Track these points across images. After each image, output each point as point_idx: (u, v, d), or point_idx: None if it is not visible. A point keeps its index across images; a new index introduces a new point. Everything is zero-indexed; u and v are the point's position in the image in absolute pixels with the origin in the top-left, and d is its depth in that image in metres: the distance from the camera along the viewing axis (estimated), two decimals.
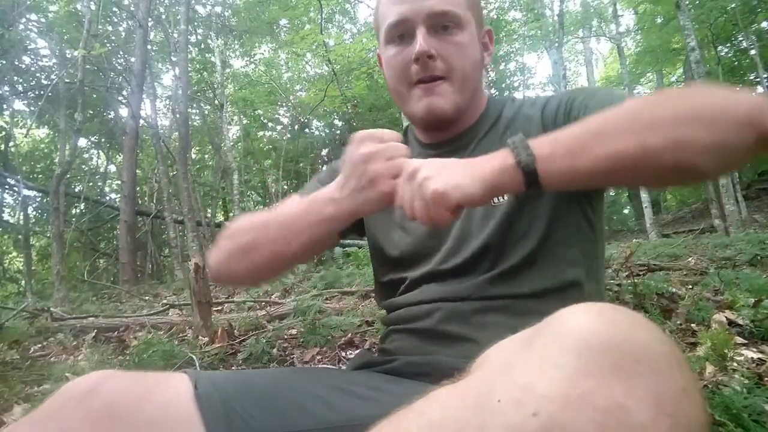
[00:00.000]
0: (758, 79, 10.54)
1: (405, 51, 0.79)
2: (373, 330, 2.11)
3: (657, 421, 0.32)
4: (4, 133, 10.18)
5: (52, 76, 9.42)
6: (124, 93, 9.88)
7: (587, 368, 0.34)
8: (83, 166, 13.04)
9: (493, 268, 0.76)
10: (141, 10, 8.36)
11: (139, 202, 11.48)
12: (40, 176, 11.73)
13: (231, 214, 12.75)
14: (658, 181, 0.60)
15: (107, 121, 11.79)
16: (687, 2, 7.85)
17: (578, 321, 0.38)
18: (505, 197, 0.76)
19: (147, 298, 5.17)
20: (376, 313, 2.29)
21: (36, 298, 5.97)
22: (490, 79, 11.51)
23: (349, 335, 2.07)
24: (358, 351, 1.79)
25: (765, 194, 10.92)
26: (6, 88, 9.33)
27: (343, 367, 1.45)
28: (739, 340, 1.44)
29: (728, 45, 12.01)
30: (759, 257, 3.02)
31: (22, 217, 9.74)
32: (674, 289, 1.97)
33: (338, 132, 13.96)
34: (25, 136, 11.83)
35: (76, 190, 11.21)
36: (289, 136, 13.94)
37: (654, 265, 2.87)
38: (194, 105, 13.13)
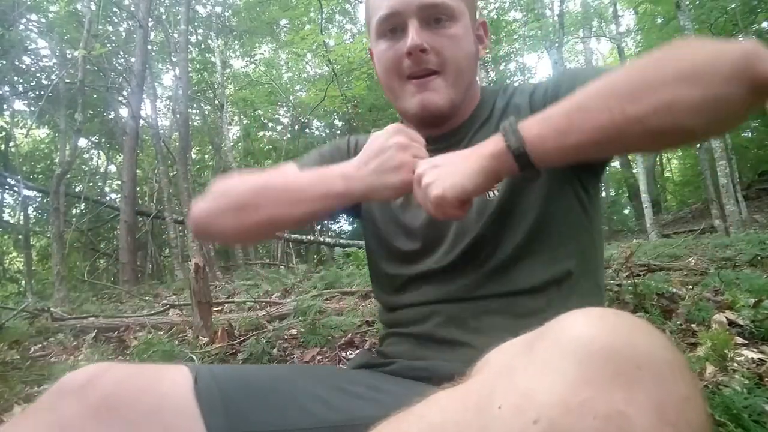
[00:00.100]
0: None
1: (397, 45, 0.77)
2: (374, 330, 2.11)
3: (658, 430, 0.32)
4: (4, 133, 10.17)
5: (53, 77, 9.42)
6: (125, 93, 9.88)
7: (588, 375, 0.34)
8: (83, 167, 13.04)
9: (486, 262, 0.75)
10: (141, 10, 8.36)
11: (140, 202, 11.47)
12: (40, 176, 11.72)
13: None
14: (651, 145, 0.60)
15: (107, 121, 11.78)
16: (687, 2, 7.85)
17: (579, 326, 0.37)
18: (497, 191, 0.75)
19: (147, 298, 5.17)
20: (376, 314, 2.29)
21: (36, 298, 5.97)
22: (490, 79, 11.49)
23: (349, 335, 2.07)
24: (358, 351, 1.79)
25: (765, 194, 10.92)
26: (6, 88, 9.33)
27: (344, 367, 1.45)
28: (740, 340, 1.44)
29: None
30: (759, 257, 3.01)
31: (22, 217, 9.73)
32: (674, 290, 1.97)
33: (338, 132, 13.96)
34: (26, 137, 11.82)
35: (77, 190, 11.20)
36: (289, 136, 13.94)
37: (654, 265, 2.87)
38: (194, 105, 13.13)
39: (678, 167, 16.96)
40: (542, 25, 11.55)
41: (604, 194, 14.57)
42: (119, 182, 10.53)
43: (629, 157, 13.64)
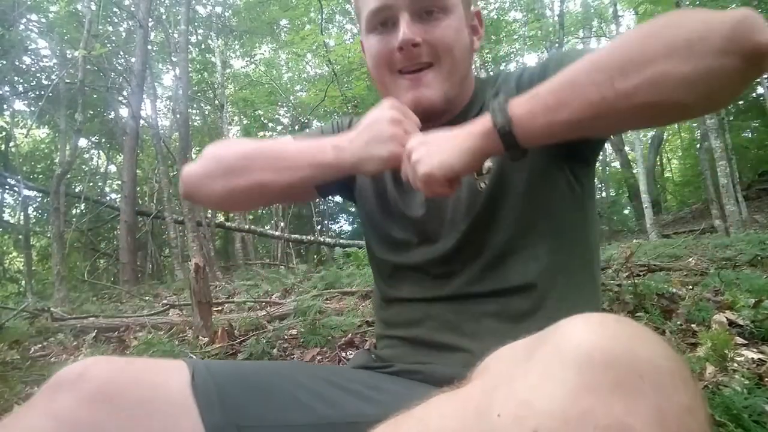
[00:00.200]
0: (758, 80, 10.54)
1: (388, 39, 0.75)
2: (374, 330, 2.11)
3: None
4: (4, 133, 10.18)
5: (53, 77, 9.42)
6: (125, 93, 9.88)
7: (588, 385, 0.33)
8: (83, 167, 13.04)
9: (479, 256, 0.73)
10: (141, 10, 8.35)
11: (140, 202, 11.47)
12: (40, 176, 11.73)
13: (231, 215, 12.75)
14: (643, 121, 0.59)
15: (107, 122, 11.78)
16: (687, 2, 7.85)
17: (580, 334, 0.36)
18: (486, 183, 0.74)
19: (147, 298, 5.17)
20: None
21: (36, 298, 5.97)
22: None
23: (350, 335, 2.06)
24: (357, 351, 1.79)
25: (765, 194, 10.91)
26: (6, 88, 9.34)
27: (343, 366, 1.45)
28: (740, 340, 1.44)
29: None
30: (759, 258, 3.01)
31: (22, 218, 9.73)
32: (674, 290, 1.97)
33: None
34: (26, 137, 11.82)
35: (77, 190, 11.20)
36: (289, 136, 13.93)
37: (654, 265, 2.87)
38: (194, 105, 13.14)
39: (678, 167, 16.97)
40: (542, 26, 11.56)
41: (604, 194, 14.57)
42: (119, 182, 10.54)
43: (629, 157, 13.65)
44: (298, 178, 0.74)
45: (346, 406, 0.66)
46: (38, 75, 10.21)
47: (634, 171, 12.64)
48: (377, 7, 0.75)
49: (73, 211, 11.67)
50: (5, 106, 9.62)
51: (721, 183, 6.90)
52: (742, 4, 9.22)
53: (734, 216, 6.88)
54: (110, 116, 11.74)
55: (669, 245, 4.45)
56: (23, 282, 10.46)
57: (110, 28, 10.69)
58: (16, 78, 9.52)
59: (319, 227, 13.20)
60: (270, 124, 14.97)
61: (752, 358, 1.29)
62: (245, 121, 14.04)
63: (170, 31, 10.43)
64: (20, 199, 9.76)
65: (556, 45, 10.72)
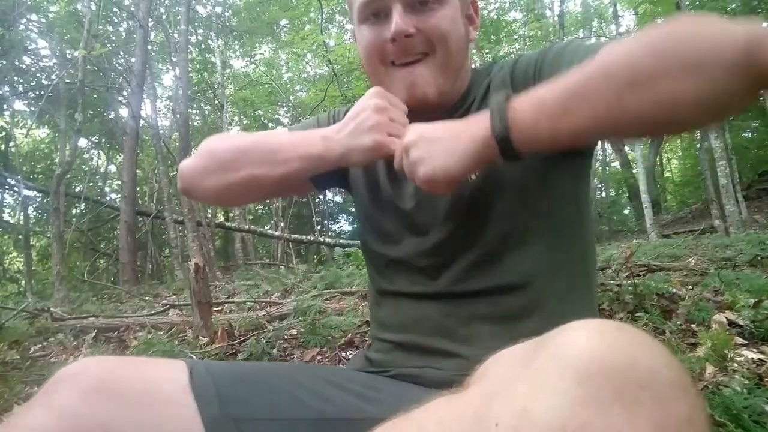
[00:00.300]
0: None
1: (380, 30, 0.73)
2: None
3: None
4: (4, 133, 10.18)
5: (53, 77, 9.42)
6: (125, 93, 9.88)
7: (587, 396, 0.32)
8: (83, 167, 13.05)
9: (470, 251, 0.72)
10: (141, 10, 8.35)
11: (140, 202, 11.47)
12: (40, 176, 11.73)
13: (231, 215, 12.76)
14: (644, 134, 0.58)
15: (107, 122, 11.78)
16: (687, 2, 7.84)
17: (579, 343, 0.35)
18: (477, 174, 0.72)
19: (147, 298, 5.17)
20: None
21: (36, 298, 5.97)
22: None
23: (349, 335, 2.06)
24: (356, 352, 1.79)
25: (765, 194, 10.91)
26: (6, 88, 9.33)
27: (342, 367, 1.45)
28: (740, 340, 1.44)
29: None
30: (759, 258, 3.01)
31: (22, 217, 9.73)
32: (674, 290, 1.97)
33: None
34: (26, 137, 11.82)
35: (77, 190, 11.21)
36: None
37: (654, 265, 2.87)
38: (194, 105, 13.14)
39: (678, 167, 16.96)
40: (542, 26, 11.56)
41: (603, 194, 14.58)
42: (119, 182, 10.54)
43: (629, 157, 13.65)
44: (290, 171, 0.74)
45: (345, 404, 0.66)
46: (38, 75, 10.21)
47: (634, 171, 12.64)
48: None
49: (73, 211, 11.67)
50: (5, 106, 9.62)
51: (721, 183, 6.90)
52: (743, 4, 9.22)
53: (734, 216, 6.89)
54: (110, 116, 11.74)
55: (669, 245, 4.45)
56: (23, 282, 10.45)
57: (110, 28, 10.70)
58: (16, 78, 9.52)
59: (319, 227, 13.20)
60: (270, 124, 14.97)
61: (752, 358, 1.29)
62: (245, 121, 14.03)
63: (170, 31, 10.43)
64: (20, 199, 9.76)
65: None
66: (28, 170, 11.30)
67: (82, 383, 0.55)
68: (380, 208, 0.82)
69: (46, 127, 11.81)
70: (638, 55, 0.52)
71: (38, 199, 11.30)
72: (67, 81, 8.40)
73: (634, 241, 6.17)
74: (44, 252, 11.27)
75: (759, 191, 11.08)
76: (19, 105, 10.31)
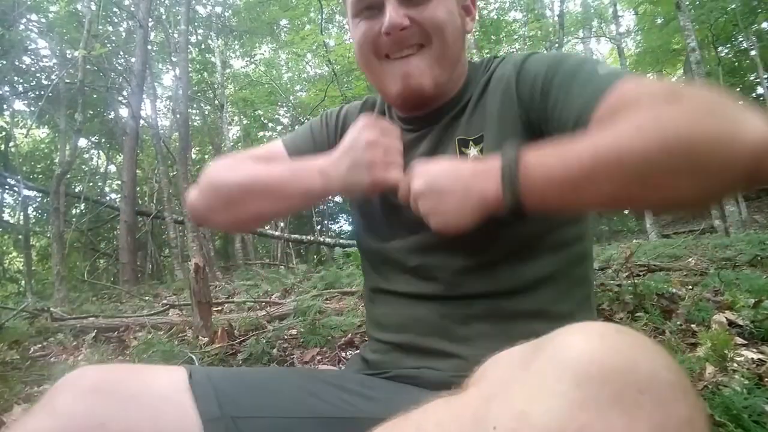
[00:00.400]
0: (758, 80, 10.56)
1: (374, 23, 0.72)
2: None
3: None
4: (4, 133, 10.18)
5: (53, 77, 9.42)
6: (125, 93, 9.89)
7: (586, 399, 0.32)
8: (83, 167, 13.05)
9: (461, 252, 0.71)
10: (141, 10, 8.36)
11: (140, 202, 11.48)
12: (40, 176, 11.73)
13: None
14: (642, 212, 0.64)
15: (107, 122, 11.79)
16: (687, 3, 7.85)
17: (578, 345, 0.35)
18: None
19: (147, 298, 5.17)
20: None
21: (36, 298, 5.97)
22: None
23: (349, 335, 2.06)
24: (356, 352, 1.79)
25: (765, 195, 10.92)
26: (6, 88, 9.33)
27: (343, 368, 1.45)
28: (739, 340, 1.44)
29: (728, 46, 12.01)
30: (759, 258, 3.01)
31: (22, 218, 9.73)
32: (674, 290, 1.97)
33: None
34: (26, 137, 11.83)
35: (77, 190, 11.21)
36: None
37: (654, 265, 2.87)
38: (194, 105, 13.14)
39: None
40: (542, 26, 11.56)
41: None
42: (119, 182, 10.54)
43: None
44: (293, 205, 0.78)
45: (344, 404, 0.66)
46: (38, 75, 10.21)
47: None
48: None
49: (73, 211, 11.68)
50: (5, 106, 9.62)
51: None
52: (743, 4, 9.22)
53: (734, 216, 6.89)
54: (110, 116, 11.75)
55: (669, 245, 4.45)
56: (23, 282, 10.46)
57: (110, 28, 10.70)
58: (16, 78, 9.52)
59: (318, 227, 13.20)
60: (270, 124, 14.98)
61: (752, 358, 1.29)
62: (245, 121, 14.04)
63: (170, 31, 10.44)
64: (20, 199, 9.77)
65: (556, 45, 10.72)
66: (28, 170, 11.30)
67: (80, 385, 0.56)
68: (374, 204, 0.82)
69: (46, 127, 11.81)
70: (653, 151, 0.50)
71: (38, 199, 11.31)
72: (67, 81, 8.41)
73: (634, 241, 6.16)
74: (44, 252, 11.27)
75: (759, 191, 11.07)
76: (19, 105, 10.34)
